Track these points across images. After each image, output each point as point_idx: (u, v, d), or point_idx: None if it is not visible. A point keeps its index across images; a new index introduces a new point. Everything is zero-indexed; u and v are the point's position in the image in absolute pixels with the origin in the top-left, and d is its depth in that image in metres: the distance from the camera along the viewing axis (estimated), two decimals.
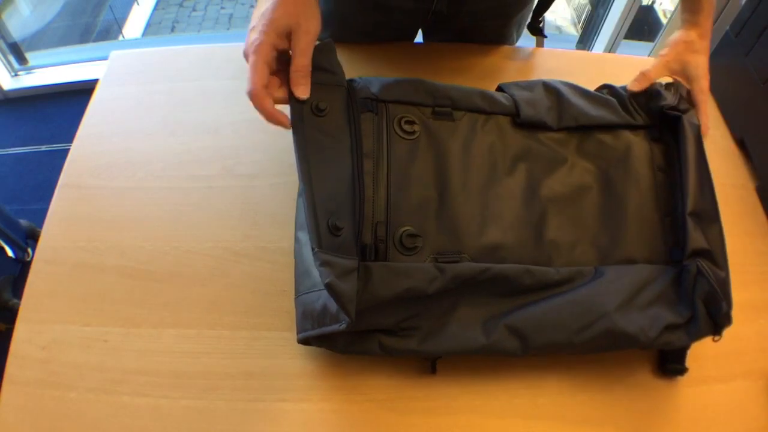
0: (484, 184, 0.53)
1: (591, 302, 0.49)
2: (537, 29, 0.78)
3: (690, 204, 0.51)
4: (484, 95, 0.57)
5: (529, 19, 0.81)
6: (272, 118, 0.48)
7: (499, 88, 0.60)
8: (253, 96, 0.47)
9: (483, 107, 0.56)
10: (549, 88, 0.58)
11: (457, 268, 0.48)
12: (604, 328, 0.48)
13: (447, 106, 0.55)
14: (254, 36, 0.47)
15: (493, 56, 0.79)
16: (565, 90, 0.58)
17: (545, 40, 0.82)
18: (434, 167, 0.52)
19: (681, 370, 0.52)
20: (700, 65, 0.60)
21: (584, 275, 0.51)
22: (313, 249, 0.44)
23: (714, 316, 0.49)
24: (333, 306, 0.45)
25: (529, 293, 0.50)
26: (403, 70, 0.74)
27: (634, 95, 0.59)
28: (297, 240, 0.54)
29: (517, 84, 0.60)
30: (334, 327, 0.45)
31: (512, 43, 0.85)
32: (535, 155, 0.55)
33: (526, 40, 0.86)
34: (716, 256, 0.50)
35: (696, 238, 0.50)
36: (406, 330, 0.48)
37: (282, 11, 0.47)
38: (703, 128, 0.57)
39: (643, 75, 0.59)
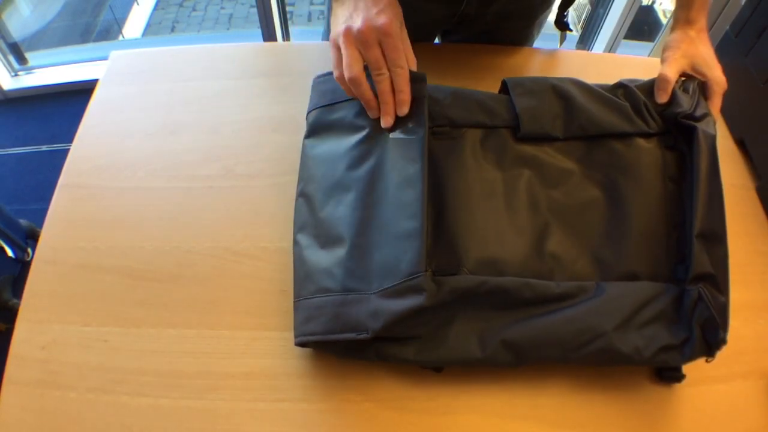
0: (484, 199, 0.53)
1: (590, 321, 0.48)
2: (563, 24, 0.76)
3: (698, 224, 0.50)
4: (486, 107, 0.56)
5: (548, 15, 0.80)
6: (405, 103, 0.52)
7: (504, 86, 0.59)
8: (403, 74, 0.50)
9: (484, 122, 0.56)
10: (558, 92, 0.56)
11: (453, 281, 0.48)
12: (600, 347, 0.47)
13: (444, 125, 0.55)
14: (381, 19, 0.49)
15: (504, 57, 0.79)
16: (576, 93, 0.56)
17: (540, 36, 0.82)
18: (431, 185, 0.52)
19: (678, 377, 0.52)
20: (707, 56, 0.58)
21: (585, 291, 0.50)
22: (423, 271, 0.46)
23: (709, 340, 0.48)
24: (350, 315, 0.47)
25: (529, 307, 0.49)
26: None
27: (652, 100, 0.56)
28: (296, 243, 0.54)
29: (523, 84, 0.57)
30: (351, 335, 0.46)
31: (532, 44, 0.85)
32: (538, 167, 0.54)
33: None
34: (719, 280, 0.49)
35: (701, 262, 0.49)
36: (403, 340, 0.48)
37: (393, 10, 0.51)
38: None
39: (664, 81, 0.56)
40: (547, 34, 0.88)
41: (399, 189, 0.50)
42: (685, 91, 0.56)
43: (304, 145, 0.59)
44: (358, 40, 0.49)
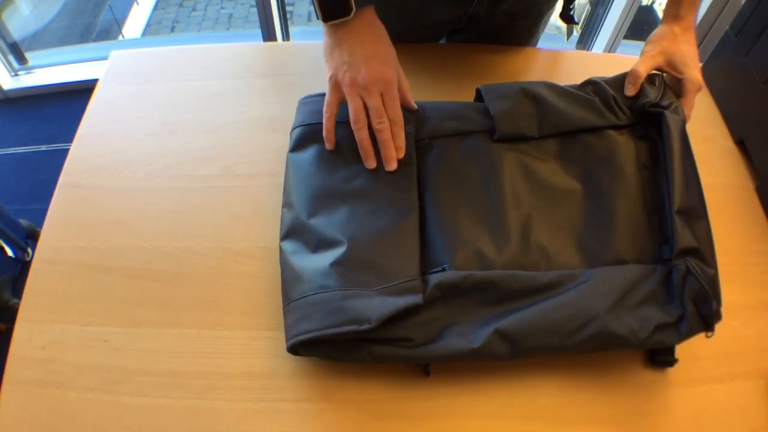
0: (467, 198, 0.54)
1: (582, 305, 0.49)
2: (569, 17, 0.76)
3: (676, 201, 0.51)
4: (461, 115, 0.59)
5: (553, 13, 0.81)
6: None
7: (478, 93, 0.61)
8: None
9: (460, 129, 0.58)
10: (529, 94, 0.59)
11: (438, 277, 0.49)
12: (595, 330, 0.48)
13: (423, 138, 0.58)
14: (384, 72, 0.55)
15: (506, 57, 0.79)
16: (546, 94, 0.59)
17: (539, 34, 0.82)
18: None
19: (670, 361, 0.52)
20: (687, 55, 0.59)
21: (573, 278, 0.51)
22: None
23: (704, 314, 0.48)
24: (353, 308, 0.47)
25: (518, 298, 0.50)
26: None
27: (621, 94, 0.59)
28: (282, 250, 0.54)
29: (495, 90, 0.60)
30: (353, 327, 0.47)
31: (537, 42, 0.85)
32: (517, 165, 0.56)
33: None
34: (705, 253, 0.50)
35: (684, 237, 0.50)
36: (395, 341, 0.48)
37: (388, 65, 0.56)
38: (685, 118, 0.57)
39: (635, 76, 0.58)
40: (546, 34, 0.88)
41: (393, 212, 0.53)
42: (651, 83, 0.59)
43: (288, 158, 0.60)
44: (363, 90, 0.54)
